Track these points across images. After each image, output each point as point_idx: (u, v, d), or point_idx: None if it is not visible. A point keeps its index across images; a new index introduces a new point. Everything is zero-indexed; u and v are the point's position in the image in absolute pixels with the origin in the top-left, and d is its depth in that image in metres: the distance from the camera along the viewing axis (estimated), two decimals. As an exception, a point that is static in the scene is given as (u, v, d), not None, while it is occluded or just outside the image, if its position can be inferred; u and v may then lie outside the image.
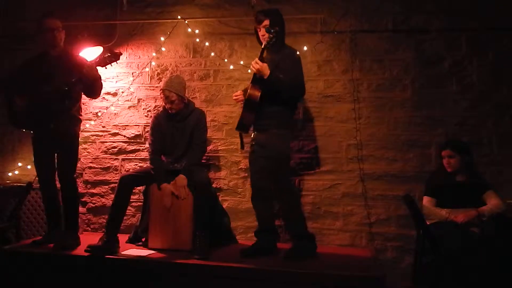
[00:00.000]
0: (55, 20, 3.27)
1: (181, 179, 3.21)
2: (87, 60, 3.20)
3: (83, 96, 3.34)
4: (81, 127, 3.45)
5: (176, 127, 3.38)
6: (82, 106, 3.48)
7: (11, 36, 4.25)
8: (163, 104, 3.41)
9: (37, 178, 3.38)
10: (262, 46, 3.05)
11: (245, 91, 3.26)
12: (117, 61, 3.12)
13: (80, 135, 3.42)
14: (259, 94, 3.00)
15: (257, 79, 3.03)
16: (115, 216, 3.21)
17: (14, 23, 4.25)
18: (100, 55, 3.14)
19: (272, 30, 2.97)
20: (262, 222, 3.20)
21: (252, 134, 3.19)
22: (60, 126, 3.19)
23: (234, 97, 3.32)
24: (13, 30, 4.25)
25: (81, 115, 3.40)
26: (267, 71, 2.97)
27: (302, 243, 3.11)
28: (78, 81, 3.09)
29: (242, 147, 3.31)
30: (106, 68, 3.12)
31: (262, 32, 3.11)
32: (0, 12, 4.30)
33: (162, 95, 3.35)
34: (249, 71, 3.06)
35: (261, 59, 3.01)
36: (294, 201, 3.17)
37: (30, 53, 3.50)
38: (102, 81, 3.30)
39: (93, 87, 3.23)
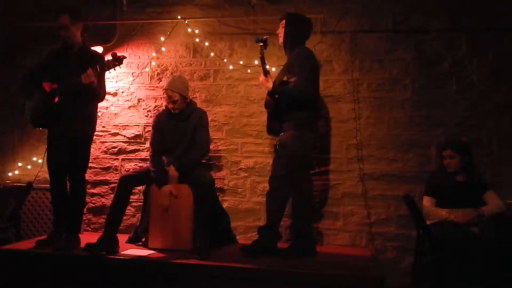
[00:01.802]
0: (63, 17, 3.16)
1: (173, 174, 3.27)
2: (101, 59, 3.10)
3: None
4: (95, 129, 3.42)
5: (178, 127, 3.38)
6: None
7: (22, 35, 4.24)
8: (166, 103, 3.41)
9: (44, 176, 3.36)
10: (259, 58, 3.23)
11: None
12: (120, 66, 3.06)
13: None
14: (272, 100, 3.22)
15: None
16: (114, 216, 3.22)
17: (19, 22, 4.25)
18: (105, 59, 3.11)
19: (259, 39, 3.19)
20: (270, 219, 3.19)
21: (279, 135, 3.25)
22: (73, 126, 3.15)
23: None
24: (18, 30, 4.26)
25: (97, 116, 3.40)
26: (269, 85, 3.19)
27: (300, 242, 3.14)
28: (79, 84, 3.02)
29: (268, 131, 3.40)
30: (109, 72, 3.12)
31: (279, 29, 3.28)
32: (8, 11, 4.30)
33: (164, 95, 3.35)
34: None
35: (264, 71, 3.22)
36: (303, 201, 3.20)
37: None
38: (101, 89, 3.23)
39: (89, 94, 3.15)
